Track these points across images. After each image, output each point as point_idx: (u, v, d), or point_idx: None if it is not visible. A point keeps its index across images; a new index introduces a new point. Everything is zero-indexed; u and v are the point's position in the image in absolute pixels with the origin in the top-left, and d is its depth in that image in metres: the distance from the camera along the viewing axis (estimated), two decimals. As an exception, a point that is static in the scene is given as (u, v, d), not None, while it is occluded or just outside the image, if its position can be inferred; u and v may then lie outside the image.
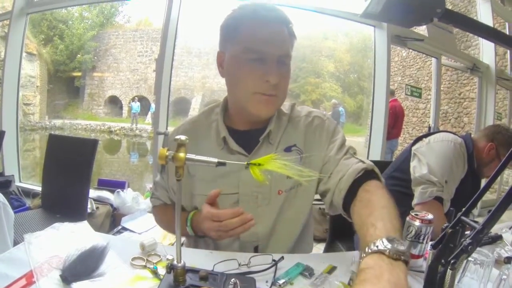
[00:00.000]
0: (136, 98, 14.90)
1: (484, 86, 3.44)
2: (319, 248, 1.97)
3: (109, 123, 14.12)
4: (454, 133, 1.15)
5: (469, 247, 0.41)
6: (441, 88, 3.50)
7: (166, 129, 2.33)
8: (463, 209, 0.49)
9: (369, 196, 0.58)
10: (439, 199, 1.00)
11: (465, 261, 0.46)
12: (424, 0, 0.36)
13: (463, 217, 0.46)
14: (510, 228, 0.90)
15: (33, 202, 2.26)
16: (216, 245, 0.73)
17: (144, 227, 2.13)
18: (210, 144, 0.73)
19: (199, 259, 0.62)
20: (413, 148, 1.13)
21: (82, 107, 16.26)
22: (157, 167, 0.83)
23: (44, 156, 1.64)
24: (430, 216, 0.64)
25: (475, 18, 3.44)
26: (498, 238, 0.75)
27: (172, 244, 1.49)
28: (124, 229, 2.16)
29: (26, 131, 11.71)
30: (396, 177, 1.15)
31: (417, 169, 1.06)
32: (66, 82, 16.36)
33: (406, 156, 1.14)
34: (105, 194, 2.35)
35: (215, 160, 0.48)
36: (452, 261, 0.42)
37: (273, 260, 0.61)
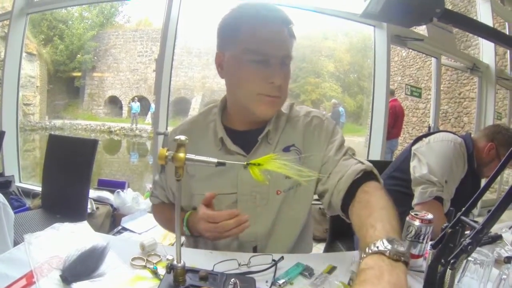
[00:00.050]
0: (136, 98, 14.90)
1: (484, 85, 3.44)
2: (319, 248, 1.97)
3: (109, 123, 14.12)
4: (454, 133, 1.15)
5: (469, 247, 0.41)
6: (441, 88, 3.50)
7: (166, 129, 2.33)
8: (463, 209, 0.49)
9: (368, 197, 0.58)
10: (439, 199, 1.00)
11: (465, 261, 0.46)
12: (424, 0, 0.36)
13: (463, 217, 0.46)
14: (510, 228, 0.90)
15: (33, 202, 2.26)
16: (215, 245, 0.73)
17: (144, 227, 2.13)
18: (208, 145, 0.73)
19: (199, 259, 0.62)
20: (413, 148, 1.13)
21: (82, 107, 16.26)
22: (157, 167, 0.83)
23: (44, 156, 1.64)
24: (430, 216, 0.64)
25: (475, 18, 3.44)
26: (498, 238, 0.75)
27: (172, 244, 1.49)
28: (124, 229, 2.16)
29: (26, 131, 11.71)
30: (396, 177, 1.15)
31: (417, 169, 1.06)
32: (66, 82, 16.36)
33: (406, 156, 1.15)
34: (105, 194, 2.35)
35: (215, 160, 0.48)
36: (452, 261, 0.42)
37: (273, 260, 0.61)
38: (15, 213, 1.06)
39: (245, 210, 0.70)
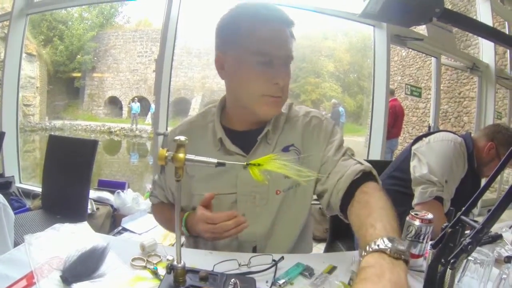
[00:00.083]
0: (136, 98, 14.90)
1: (484, 85, 3.44)
2: (319, 248, 1.97)
3: (109, 124, 14.12)
4: (454, 133, 1.15)
5: (469, 246, 0.41)
6: (441, 88, 3.50)
7: (166, 129, 2.33)
8: (463, 208, 0.49)
9: (367, 198, 0.58)
10: (439, 199, 1.00)
11: (465, 260, 0.46)
12: (423, -1, 0.36)
13: (463, 217, 0.46)
14: (510, 227, 0.90)
15: (33, 203, 2.26)
16: (214, 245, 0.73)
17: (144, 227, 2.13)
18: (207, 145, 0.73)
19: (199, 259, 0.62)
20: (413, 147, 1.13)
21: (82, 107, 16.25)
22: (156, 167, 0.83)
23: (44, 157, 1.64)
24: (430, 216, 0.64)
25: (474, 17, 3.45)
26: (498, 238, 0.75)
27: (172, 245, 1.49)
28: (124, 229, 2.16)
29: (26, 132, 11.71)
30: (396, 177, 1.15)
31: (417, 168, 1.06)
32: (66, 83, 16.35)
33: (406, 156, 1.14)
34: (105, 195, 2.35)
35: (215, 160, 0.48)
36: (452, 261, 0.42)
37: (273, 260, 0.61)
38: (15, 213, 1.06)
39: (244, 210, 0.70)
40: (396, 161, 1.21)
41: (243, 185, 0.70)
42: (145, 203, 2.39)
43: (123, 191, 2.36)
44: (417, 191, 1.03)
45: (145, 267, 0.60)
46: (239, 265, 0.60)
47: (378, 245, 0.42)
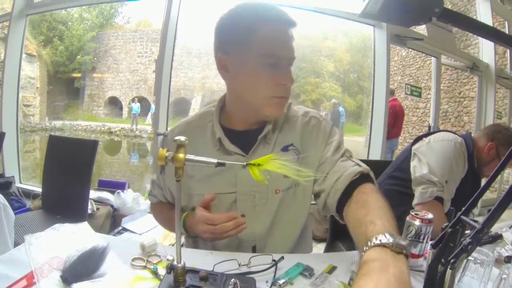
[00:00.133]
0: (136, 99, 14.89)
1: (484, 85, 3.44)
2: (319, 248, 1.97)
3: (109, 124, 14.11)
4: (454, 133, 1.15)
5: (469, 246, 0.41)
6: (441, 87, 3.50)
7: (166, 129, 2.33)
8: (463, 208, 0.49)
9: (365, 197, 0.59)
10: (439, 199, 1.00)
11: (465, 260, 0.46)
12: (423, -1, 0.36)
13: (463, 217, 0.46)
14: (510, 227, 0.90)
15: (34, 203, 2.26)
16: (214, 245, 0.73)
17: (144, 227, 2.13)
18: (206, 145, 0.73)
19: (199, 259, 0.62)
20: (413, 147, 1.13)
21: (82, 108, 16.25)
22: (155, 167, 0.83)
23: (44, 157, 1.64)
24: (430, 216, 0.64)
25: (474, 17, 3.44)
26: (498, 237, 0.75)
27: (172, 245, 1.49)
28: (125, 229, 2.16)
29: (26, 132, 11.71)
30: (396, 177, 1.15)
31: (417, 168, 1.06)
32: (66, 83, 16.35)
33: (406, 156, 1.14)
34: (105, 195, 2.35)
35: (215, 160, 0.48)
36: (452, 261, 0.42)
37: (273, 260, 0.61)
38: (15, 214, 1.06)
39: (244, 209, 0.70)
40: (396, 161, 1.21)
41: (243, 185, 0.70)
42: (145, 203, 2.39)
43: (123, 191, 2.36)
44: (417, 191, 1.03)
45: (145, 267, 0.60)
46: (239, 265, 0.60)
47: (380, 240, 0.42)
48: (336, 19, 2.65)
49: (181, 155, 0.47)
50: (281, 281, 0.56)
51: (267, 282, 0.57)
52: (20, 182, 2.86)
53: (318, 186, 0.70)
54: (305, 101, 14.97)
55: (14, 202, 2.23)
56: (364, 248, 0.43)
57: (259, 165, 0.48)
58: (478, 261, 0.54)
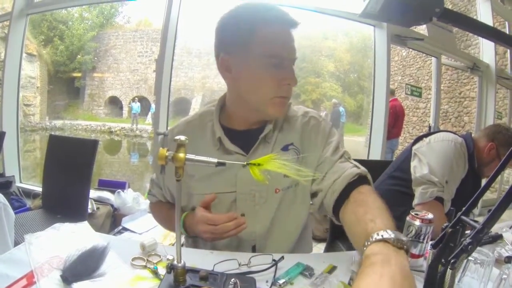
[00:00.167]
0: (136, 98, 14.90)
1: (484, 85, 3.44)
2: (319, 247, 1.97)
3: (110, 124, 14.12)
4: (454, 133, 1.14)
5: (469, 246, 0.41)
6: (441, 88, 3.50)
7: (166, 129, 2.33)
8: (463, 208, 0.49)
9: (363, 197, 0.60)
10: (439, 199, 1.00)
11: (465, 260, 0.46)
12: (423, -1, 0.36)
13: (463, 217, 0.46)
14: (510, 228, 0.90)
15: (34, 202, 2.26)
16: (214, 245, 0.73)
17: (144, 227, 2.14)
18: (206, 145, 0.73)
19: (199, 259, 0.63)
20: (414, 147, 1.13)
21: (83, 107, 16.26)
22: (155, 167, 0.83)
23: (45, 157, 1.64)
24: (430, 216, 0.64)
25: (475, 17, 3.44)
26: (498, 238, 0.75)
27: (173, 244, 1.49)
28: (125, 229, 2.16)
29: (26, 132, 11.71)
30: (396, 177, 1.15)
31: (417, 169, 1.06)
32: (66, 83, 16.36)
33: (407, 156, 1.14)
34: (105, 194, 2.35)
35: (215, 160, 0.48)
36: (452, 261, 0.42)
37: (273, 260, 0.61)
38: (15, 213, 1.06)
39: (244, 208, 0.70)
40: (397, 161, 1.21)
41: (243, 184, 0.70)
42: (146, 203, 2.39)
43: (123, 191, 2.36)
44: (418, 191, 1.03)
45: (145, 267, 0.60)
46: (239, 264, 0.60)
47: (382, 235, 0.43)
48: (336, 19, 2.65)
49: (181, 155, 0.47)
50: (281, 281, 0.56)
51: (267, 282, 0.57)
52: (20, 182, 2.86)
53: (316, 185, 0.70)
54: (306, 101, 14.96)
55: (14, 201, 2.23)
56: (366, 243, 0.44)
57: (259, 164, 0.48)
58: (478, 261, 0.54)
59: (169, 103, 2.39)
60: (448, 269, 0.42)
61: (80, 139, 1.88)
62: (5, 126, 2.69)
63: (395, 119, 3.80)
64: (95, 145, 1.52)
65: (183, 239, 0.81)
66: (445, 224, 0.48)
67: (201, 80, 15.52)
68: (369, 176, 0.68)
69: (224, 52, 0.68)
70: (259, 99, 0.68)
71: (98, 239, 0.66)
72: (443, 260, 0.44)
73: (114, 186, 2.51)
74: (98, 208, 2.16)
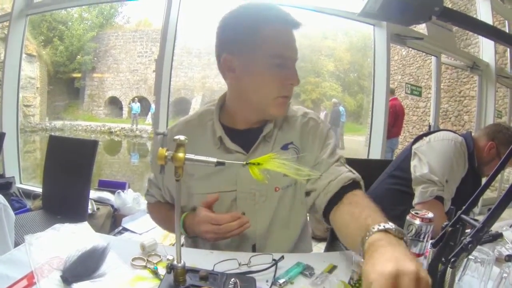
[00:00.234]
0: (136, 98, 14.89)
1: (484, 84, 3.43)
2: (320, 247, 1.97)
3: (110, 124, 14.11)
4: (454, 132, 1.14)
5: (469, 245, 0.41)
6: (441, 87, 3.50)
7: (166, 129, 2.33)
8: (463, 207, 0.49)
9: (357, 199, 0.62)
10: (439, 199, 1.00)
11: (465, 259, 0.46)
12: (422, -2, 0.36)
13: (463, 216, 0.46)
14: (510, 226, 0.90)
15: (34, 203, 2.26)
16: (213, 244, 0.73)
17: (144, 227, 2.13)
18: (206, 144, 0.73)
19: (199, 259, 0.62)
20: (414, 147, 1.13)
21: (82, 108, 16.25)
22: (155, 167, 0.82)
23: (45, 158, 1.64)
24: (430, 215, 0.64)
25: (474, 16, 3.44)
26: (498, 236, 0.75)
27: (172, 245, 1.49)
28: (125, 229, 2.16)
29: (26, 132, 11.71)
30: (396, 176, 1.15)
31: (417, 168, 1.06)
32: (66, 83, 16.35)
33: (407, 155, 1.14)
34: (105, 195, 2.35)
35: (214, 160, 0.48)
36: (452, 260, 0.42)
37: (274, 260, 0.61)
38: (15, 214, 1.06)
39: (244, 207, 0.70)
40: (397, 160, 1.21)
41: (243, 183, 0.71)
42: (146, 203, 2.38)
43: (123, 191, 2.36)
44: (418, 190, 1.03)
45: (145, 267, 0.60)
46: (239, 264, 0.60)
47: (384, 226, 0.45)
48: (336, 18, 2.65)
49: (180, 155, 0.47)
50: (281, 281, 0.56)
51: (267, 281, 0.57)
52: (21, 183, 2.86)
53: (310, 184, 0.71)
54: (305, 101, 14.96)
55: (15, 202, 2.23)
56: (367, 234, 0.45)
57: (258, 164, 0.48)
58: (479, 260, 0.54)
59: (169, 103, 2.39)
60: (449, 268, 0.42)
61: (80, 140, 1.88)
62: (5, 127, 2.69)
63: (395, 118, 3.80)
64: (95, 145, 1.52)
65: (182, 239, 0.81)
66: (445, 223, 0.48)
67: (201, 80, 15.51)
68: (362, 182, 0.70)
69: (227, 52, 0.68)
70: (262, 98, 0.68)
71: (98, 239, 0.66)
72: (443, 259, 0.44)
73: (114, 186, 2.51)
74: (98, 209, 2.15)
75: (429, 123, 3.35)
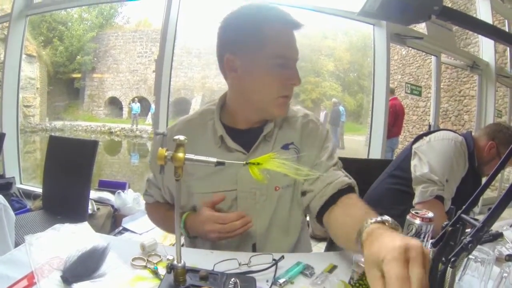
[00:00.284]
0: (136, 99, 14.89)
1: (484, 83, 3.43)
2: (320, 247, 1.97)
3: (110, 124, 14.11)
4: (454, 131, 1.14)
5: (469, 245, 0.41)
6: (441, 86, 3.50)
7: (166, 129, 2.33)
8: (464, 207, 0.49)
9: (352, 202, 0.64)
10: (440, 198, 1.00)
11: (465, 259, 0.46)
12: (422, -3, 0.36)
13: (463, 215, 0.46)
14: (511, 226, 0.90)
15: (34, 203, 2.27)
16: (213, 244, 0.73)
17: (145, 227, 2.14)
18: (207, 143, 0.73)
19: (199, 259, 0.62)
20: (414, 146, 1.13)
21: (82, 108, 16.25)
22: (154, 166, 0.82)
23: (45, 158, 1.64)
24: (430, 214, 0.64)
25: (474, 16, 3.44)
26: (498, 236, 0.75)
27: (173, 245, 1.49)
28: (125, 229, 2.16)
29: (26, 133, 11.71)
30: (396, 176, 1.15)
31: (417, 168, 1.06)
32: (66, 84, 16.35)
33: (407, 155, 1.14)
34: (105, 195, 2.35)
35: (214, 160, 0.48)
36: (452, 259, 0.42)
37: (274, 260, 0.61)
38: (16, 214, 1.06)
39: (245, 206, 0.71)
40: (397, 160, 1.21)
41: (244, 182, 0.71)
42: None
43: (123, 191, 2.36)
44: (418, 190, 1.03)
45: (145, 267, 0.60)
46: (239, 264, 0.60)
47: (381, 218, 0.46)
48: (335, 18, 2.65)
49: (180, 155, 0.47)
50: (281, 280, 0.56)
51: (267, 281, 0.57)
52: (21, 183, 2.86)
53: (307, 185, 0.72)
54: (305, 101, 14.96)
55: (15, 202, 2.23)
56: (365, 225, 0.46)
57: (258, 164, 0.48)
58: (479, 259, 0.53)
59: (168, 103, 2.39)
60: (449, 268, 0.42)
61: (80, 140, 1.88)
62: (5, 127, 2.69)
63: (395, 118, 3.80)
64: (95, 145, 1.52)
65: (182, 239, 0.81)
66: (445, 223, 0.48)
67: (200, 80, 15.51)
68: (357, 188, 0.71)
69: (229, 52, 0.68)
70: (264, 98, 0.69)
71: (98, 239, 0.66)
72: (443, 259, 0.44)
73: (114, 186, 2.51)
74: (98, 209, 2.16)
75: (429, 122, 3.35)
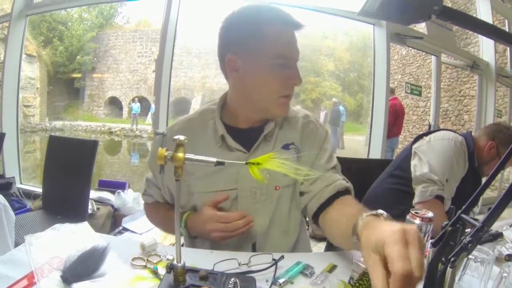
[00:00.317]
0: (136, 99, 14.89)
1: (484, 83, 3.43)
2: (320, 247, 1.97)
3: (110, 124, 14.11)
4: (454, 131, 1.14)
5: (469, 245, 0.41)
6: (441, 86, 3.50)
7: (165, 129, 2.33)
8: (463, 207, 0.49)
9: (348, 202, 0.65)
10: (439, 198, 1.00)
11: (465, 259, 0.46)
12: (422, -3, 0.36)
13: (463, 215, 0.46)
14: (510, 226, 0.90)
15: (34, 203, 2.26)
16: (212, 244, 0.73)
17: (144, 227, 2.13)
18: (207, 142, 0.73)
19: (199, 259, 0.62)
20: (414, 146, 1.13)
21: (82, 108, 16.25)
22: (154, 166, 0.82)
23: (45, 158, 1.64)
24: (430, 214, 0.64)
25: (474, 15, 3.44)
26: (498, 236, 0.75)
27: (172, 244, 1.49)
28: (125, 229, 2.16)
29: (26, 133, 11.71)
30: (396, 176, 1.15)
31: (417, 167, 1.06)
32: (66, 84, 16.35)
33: (407, 155, 1.14)
34: (105, 195, 2.35)
35: (214, 159, 0.48)
36: (452, 259, 0.42)
37: (273, 259, 0.61)
38: (16, 214, 1.06)
39: (245, 206, 0.71)
40: (397, 159, 1.21)
41: (244, 182, 0.71)
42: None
43: (123, 191, 2.36)
44: (418, 190, 1.03)
45: (145, 267, 0.60)
46: (239, 264, 0.60)
47: (376, 212, 0.47)
48: (335, 18, 2.65)
49: (180, 154, 0.47)
50: (281, 280, 0.56)
51: (267, 281, 0.57)
52: (21, 183, 2.86)
53: (305, 186, 0.72)
54: (305, 100, 14.97)
55: (15, 202, 2.23)
56: (360, 218, 0.46)
57: (258, 164, 0.48)
58: (479, 259, 0.53)
59: (168, 103, 2.39)
60: (448, 268, 0.42)
61: (80, 140, 1.88)
62: (5, 127, 2.69)
63: (395, 118, 3.80)
64: (95, 145, 1.52)
65: (182, 239, 0.81)
66: (445, 223, 0.48)
67: (200, 80, 15.51)
68: (353, 193, 0.72)
69: (231, 52, 0.69)
70: (265, 98, 0.69)
71: (98, 239, 0.66)
72: (443, 259, 0.44)
73: (114, 186, 2.51)
74: (98, 209, 2.16)
75: (429, 122, 3.35)
